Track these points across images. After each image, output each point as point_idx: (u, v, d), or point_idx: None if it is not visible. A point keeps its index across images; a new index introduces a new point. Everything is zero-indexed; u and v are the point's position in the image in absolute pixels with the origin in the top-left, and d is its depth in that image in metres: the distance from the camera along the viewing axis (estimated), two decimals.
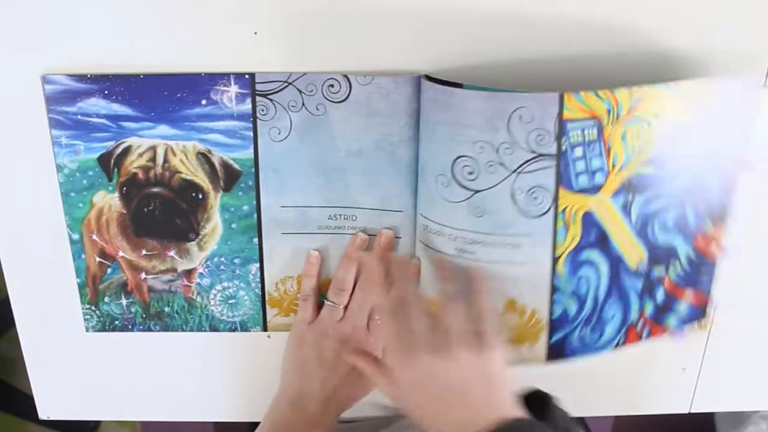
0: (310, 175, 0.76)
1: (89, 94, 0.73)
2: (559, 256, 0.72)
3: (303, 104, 0.73)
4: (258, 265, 0.81)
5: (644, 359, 0.92)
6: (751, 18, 0.74)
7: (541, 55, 0.74)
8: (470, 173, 0.69)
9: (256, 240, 0.79)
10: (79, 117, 0.74)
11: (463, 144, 0.68)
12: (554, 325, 0.75)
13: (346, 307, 0.79)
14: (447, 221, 0.73)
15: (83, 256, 0.81)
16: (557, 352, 0.77)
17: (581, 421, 1.18)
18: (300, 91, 0.72)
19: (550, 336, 0.76)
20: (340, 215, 0.77)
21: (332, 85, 0.72)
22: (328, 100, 0.72)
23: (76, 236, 0.79)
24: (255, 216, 0.78)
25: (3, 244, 0.82)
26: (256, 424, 0.80)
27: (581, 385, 0.93)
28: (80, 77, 0.72)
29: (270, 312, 0.83)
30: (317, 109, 0.73)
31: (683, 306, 0.81)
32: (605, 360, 0.88)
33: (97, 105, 0.73)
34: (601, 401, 0.95)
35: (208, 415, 0.94)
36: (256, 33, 0.72)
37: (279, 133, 0.74)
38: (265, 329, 0.84)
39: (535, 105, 0.66)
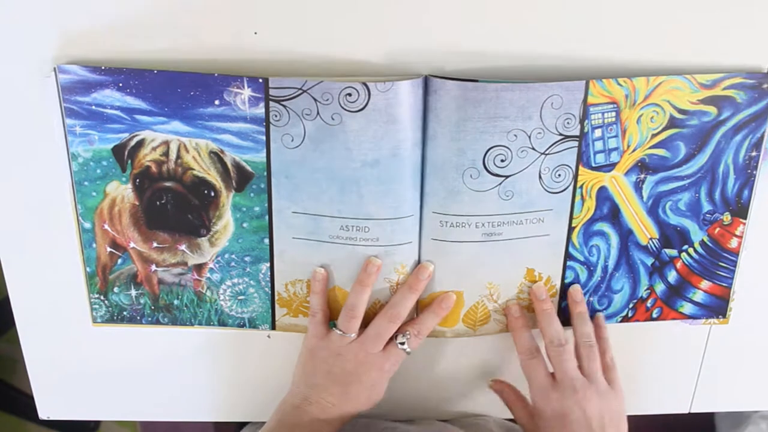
0: (322, 185, 0.74)
1: (103, 85, 0.72)
2: (575, 227, 0.80)
3: (318, 113, 0.71)
4: (268, 264, 0.80)
5: (644, 359, 0.92)
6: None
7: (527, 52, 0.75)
8: (502, 161, 0.74)
9: (267, 241, 0.79)
10: (93, 107, 0.73)
11: (497, 135, 0.72)
12: (566, 290, 0.83)
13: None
14: (474, 211, 0.76)
15: (94, 246, 0.80)
16: (568, 317, 0.84)
17: None
18: (315, 100, 0.70)
19: (561, 301, 0.84)
20: (353, 226, 0.76)
21: (350, 94, 0.69)
22: (345, 109, 0.70)
23: (88, 225, 0.79)
24: (266, 218, 0.77)
25: (3, 243, 0.82)
26: (244, 425, 0.81)
27: None
28: (94, 68, 0.71)
29: (279, 311, 0.83)
30: (332, 118, 0.71)
31: (699, 295, 0.85)
32: None
33: (111, 96, 0.72)
34: None
35: (208, 415, 0.94)
36: (256, 33, 0.72)
37: (292, 140, 0.73)
38: (273, 327, 0.84)
39: (564, 92, 0.72)
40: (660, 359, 0.92)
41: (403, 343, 0.79)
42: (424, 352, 0.87)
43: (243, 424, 1.00)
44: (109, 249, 0.80)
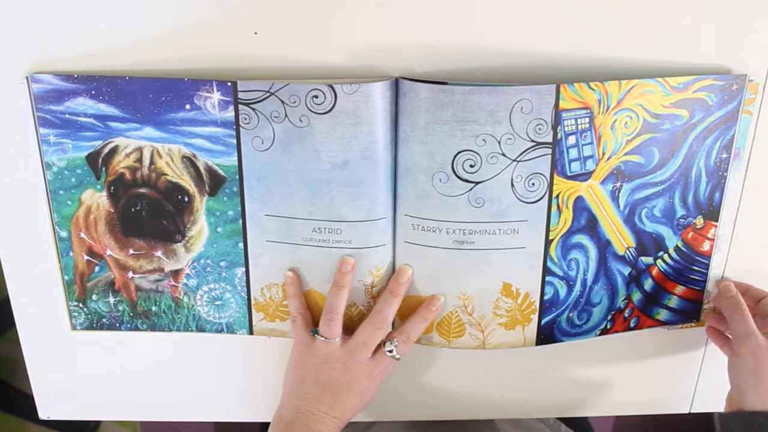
0: (293, 187, 0.74)
1: (76, 93, 0.72)
2: (552, 240, 0.78)
3: (286, 115, 0.71)
4: (244, 269, 0.80)
5: (644, 360, 0.92)
6: (747, 18, 0.74)
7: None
8: (471, 166, 0.72)
9: (241, 245, 0.79)
10: (66, 116, 0.73)
11: (465, 139, 0.71)
12: (545, 306, 0.81)
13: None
14: (445, 216, 0.75)
15: (71, 254, 0.80)
16: (547, 334, 0.83)
17: (584, 421, 1.17)
18: (283, 102, 0.70)
19: (541, 318, 0.82)
20: (325, 228, 0.76)
21: (316, 96, 0.70)
22: (312, 111, 0.70)
23: (64, 234, 0.79)
24: (240, 222, 0.77)
25: (3, 244, 0.82)
26: (244, 425, 0.82)
27: (582, 385, 0.93)
28: (67, 77, 0.72)
29: (256, 316, 0.83)
30: (300, 120, 0.71)
31: (674, 301, 0.85)
32: (606, 360, 0.91)
33: (84, 104, 0.73)
34: (601, 401, 0.95)
35: (207, 415, 0.95)
36: (256, 33, 0.72)
37: (262, 143, 0.73)
38: (251, 332, 0.84)
39: (534, 96, 0.70)
40: (660, 360, 0.92)
41: (391, 351, 0.79)
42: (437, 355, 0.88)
43: (244, 424, 1.01)
44: (86, 257, 0.81)
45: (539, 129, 0.72)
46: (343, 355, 0.78)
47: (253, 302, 0.82)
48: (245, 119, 0.72)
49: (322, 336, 0.78)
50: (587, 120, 0.73)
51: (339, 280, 0.77)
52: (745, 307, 0.81)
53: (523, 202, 0.75)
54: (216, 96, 0.71)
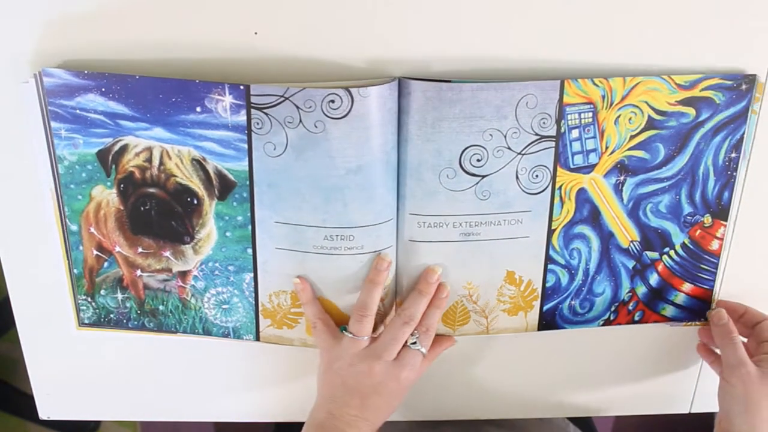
0: (305, 194, 0.73)
1: (87, 89, 0.72)
2: (555, 229, 0.80)
3: (300, 120, 0.69)
4: (252, 275, 0.79)
5: (644, 359, 0.92)
6: (747, 17, 0.74)
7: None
8: (478, 160, 0.74)
9: (250, 251, 0.78)
10: (77, 111, 0.73)
11: (472, 135, 0.73)
12: (547, 293, 0.83)
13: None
14: (451, 210, 0.77)
15: (81, 248, 0.80)
16: (549, 321, 0.85)
17: (587, 421, 1.18)
18: (297, 107, 0.69)
19: (543, 304, 0.84)
20: (337, 236, 0.75)
21: (332, 101, 0.68)
22: (328, 116, 0.69)
23: (74, 227, 0.79)
24: (249, 227, 0.77)
25: (3, 243, 0.82)
26: (244, 425, 0.82)
27: (582, 385, 0.94)
28: (78, 72, 0.71)
29: (263, 322, 0.83)
30: (315, 126, 0.69)
31: (681, 297, 0.85)
32: (606, 360, 0.91)
33: (94, 101, 0.72)
34: (601, 401, 0.96)
35: (207, 416, 0.95)
36: (256, 33, 0.72)
37: (274, 149, 0.71)
38: (257, 338, 0.84)
39: (539, 92, 0.72)
40: (660, 359, 0.92)
41: (414, 343, 0.79)
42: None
43: (244, 425, 1.01)
44: (95, 252, 0.81)
45: (543, 123, 0.73)
46: (369, 355, 0.78)
47: (260, 308, 0.82)
48: (257, 124, 0.71)
49: (351, 333, 0.78)
50: (591, 115, 0.74)
51: (374, 277, 0.77)
52: (736, 335, 0.83)
53: (527, 193, 0.77)
54: (228, 99, 0.70)
